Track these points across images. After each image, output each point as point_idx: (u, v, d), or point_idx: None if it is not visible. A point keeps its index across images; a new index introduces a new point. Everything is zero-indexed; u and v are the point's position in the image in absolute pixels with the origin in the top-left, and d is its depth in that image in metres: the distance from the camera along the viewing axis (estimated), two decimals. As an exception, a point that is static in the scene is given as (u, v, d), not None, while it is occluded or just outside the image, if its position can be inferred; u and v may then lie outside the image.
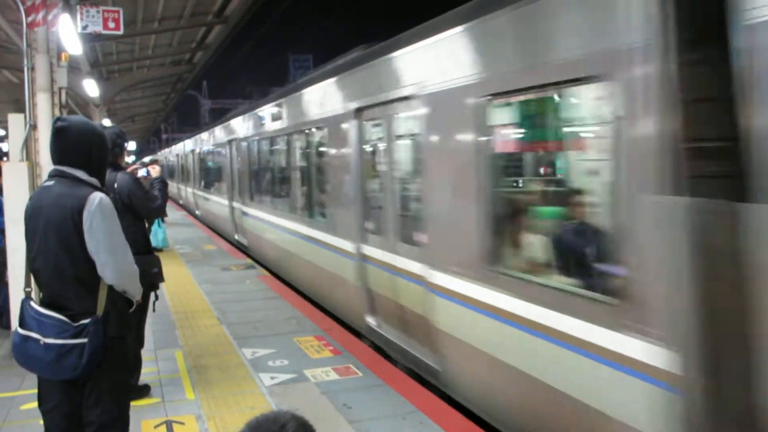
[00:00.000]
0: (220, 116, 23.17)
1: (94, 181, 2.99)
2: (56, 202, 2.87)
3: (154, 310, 5.11)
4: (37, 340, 2.82)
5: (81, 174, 2.95)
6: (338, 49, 8.90)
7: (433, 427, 4.27)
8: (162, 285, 5.02)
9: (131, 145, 35.53)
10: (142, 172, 6.58)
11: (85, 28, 9.77)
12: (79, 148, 2.95)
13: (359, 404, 4.68)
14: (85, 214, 2.83)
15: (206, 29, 16.94)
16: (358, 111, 6.15)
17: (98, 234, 2.85)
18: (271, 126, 9.93)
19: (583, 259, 3.66)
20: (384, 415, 4.49)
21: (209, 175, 18.04)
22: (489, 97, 4.02)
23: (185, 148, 24.04)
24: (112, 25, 10.13)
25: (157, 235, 11.93)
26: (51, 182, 2.97)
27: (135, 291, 3.07)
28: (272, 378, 5.23)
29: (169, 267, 7.97)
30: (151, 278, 4.75)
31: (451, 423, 4.34)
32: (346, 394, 4.86)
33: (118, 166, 4.86)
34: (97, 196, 2.88)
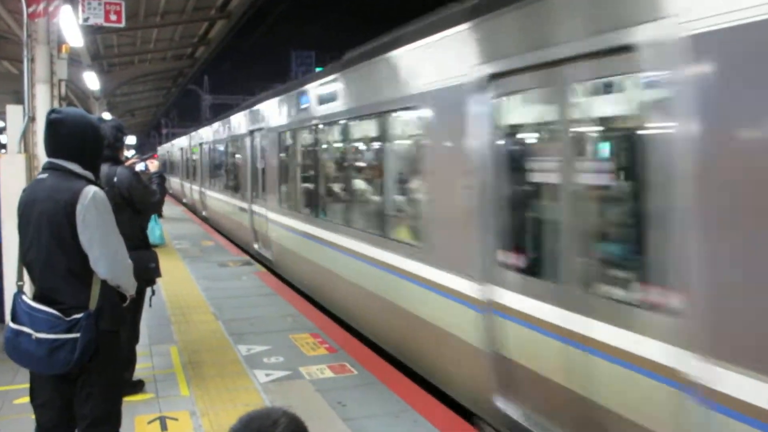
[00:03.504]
0: (221, 112, 22.08)
1: (88, 174, 2.96)
2: (49, 196, 2.85)
3: (150, 306, 5.09)
4: (29, 335, 2.80)
5: (75, 167, 2.92)
6: (341, 45, 8.63)
7: (427, 426, 4.25)
8: (158, 280, 4.99)
9: (131, 139, 35.47)
10: (140, 166, 6.56)
11: (86, 20, 9.74)
12: (74, 141, 2.93)
13: (353, 402, 4.66)
14: (79, 208, 2.80)
15: (208, 24, 16.91)
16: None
17: (91, 228, 2.82)
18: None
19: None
20: (378, 413, 4.48)
21: (221, 171, 15.91)
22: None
23: (191, 141, 22.19)
24: (113, 17, 10.09)
25: (153, 231, 11.90)
26: (44, 175, 2.94)
27: (128, 285, 3.04)
28: (267, 375, 5.21)
29: (165, 262, 7.91)
30: (148, 273, 4.73)
31: (444, 421, 4.33)
32: (340, 392, 4.84)
33: (118, 160, 4.83)
34: (90, 190, 2.85)
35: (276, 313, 7.30)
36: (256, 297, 8.22)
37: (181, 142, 26.13)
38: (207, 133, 18.27)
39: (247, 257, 11.51)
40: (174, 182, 27.98)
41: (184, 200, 24.10)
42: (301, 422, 1.55)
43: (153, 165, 5.49)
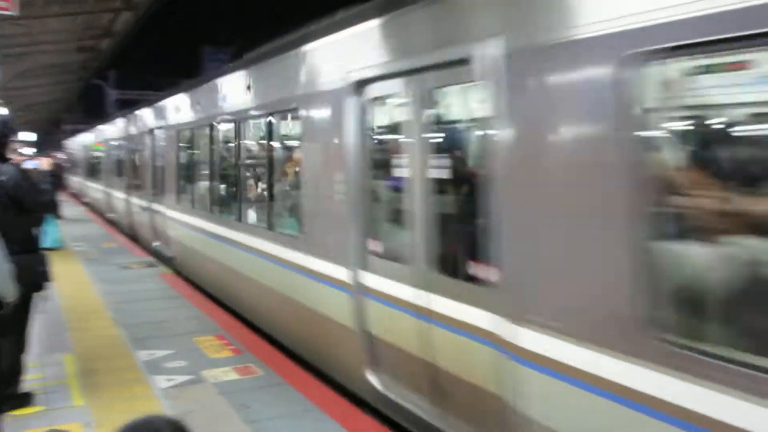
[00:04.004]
0: (127, 107, 17.86)
1: (-40, 173, 2.78)
2: None
3: (41, 312, 4.82)
4: None
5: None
6: (256, 42, 8.20)
7: (331, 424, 4.29)
8: (54, 285, 4.73)
9: (30, 136, 33.10)
10: (31, 164, 6.21)
11: (-30, 6, 9.09)
12: None
13: (258, 404, 4.62)
14: (-53, 209, 2.63)
15: (113, 15, 16.17)
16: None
17: (-38, 231, 2.65)
18: None
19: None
20: (282, 413, 4.47)
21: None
22: None
23: (138, 123, 12.81)
24: (3, 4, 9.46)
25: (52, 234, 11.20)
26: None
27: (6, 291, 2.89)
28: (168, 380, 5.06)
29: (62, 266, 7.52)
30: (36, 278, 4.48)
31: (348, 418, 4.37)
32: (244, 394, 4.79)
33: (4, 157, 4.56)
34: (-39, 190, 2.68)
35: (180, 316, 7.10)
36: (159, 300, 7.95)
37: (116, 127, 16.38)
38: (182, 103, 9.55)
39: (151, 258, 11.01)
40: (95, 191, 20.07)
41: (118, 216, 15.60)
42: (185, 429, 1.54)
43: (46, 163, 5.22)
